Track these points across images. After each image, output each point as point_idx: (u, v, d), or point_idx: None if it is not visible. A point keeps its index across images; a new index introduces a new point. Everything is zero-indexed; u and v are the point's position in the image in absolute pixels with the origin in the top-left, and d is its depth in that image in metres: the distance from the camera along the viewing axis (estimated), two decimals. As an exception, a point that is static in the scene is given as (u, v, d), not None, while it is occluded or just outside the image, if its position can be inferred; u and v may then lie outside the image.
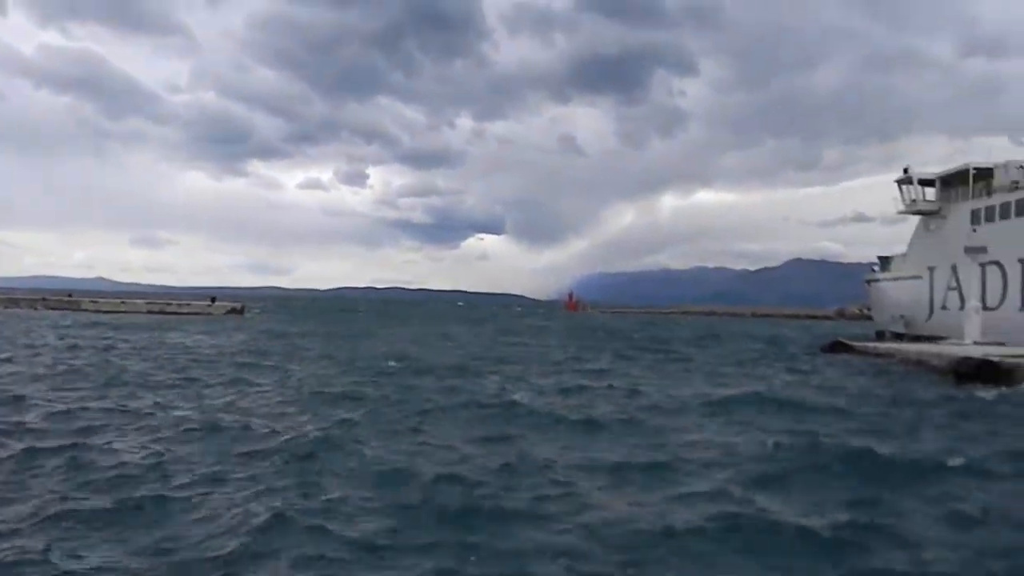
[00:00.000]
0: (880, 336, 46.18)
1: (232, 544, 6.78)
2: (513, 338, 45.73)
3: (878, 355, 29.80)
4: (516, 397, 16.89)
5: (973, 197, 40.59)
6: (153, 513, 7.67)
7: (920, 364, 25.50)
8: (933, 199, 44.82)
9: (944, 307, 42.11)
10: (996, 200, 38.27)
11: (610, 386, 19.55)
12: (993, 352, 24.21)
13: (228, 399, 15.95)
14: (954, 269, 40.49)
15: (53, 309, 67.81)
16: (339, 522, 7.51)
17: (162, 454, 10.35)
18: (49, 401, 14.72)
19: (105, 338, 34.04)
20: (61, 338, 33.20)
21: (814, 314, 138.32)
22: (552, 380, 21.29)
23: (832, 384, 21.30)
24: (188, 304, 70.93)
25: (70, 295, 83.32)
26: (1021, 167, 39.24)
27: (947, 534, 7.40)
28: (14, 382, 17.57)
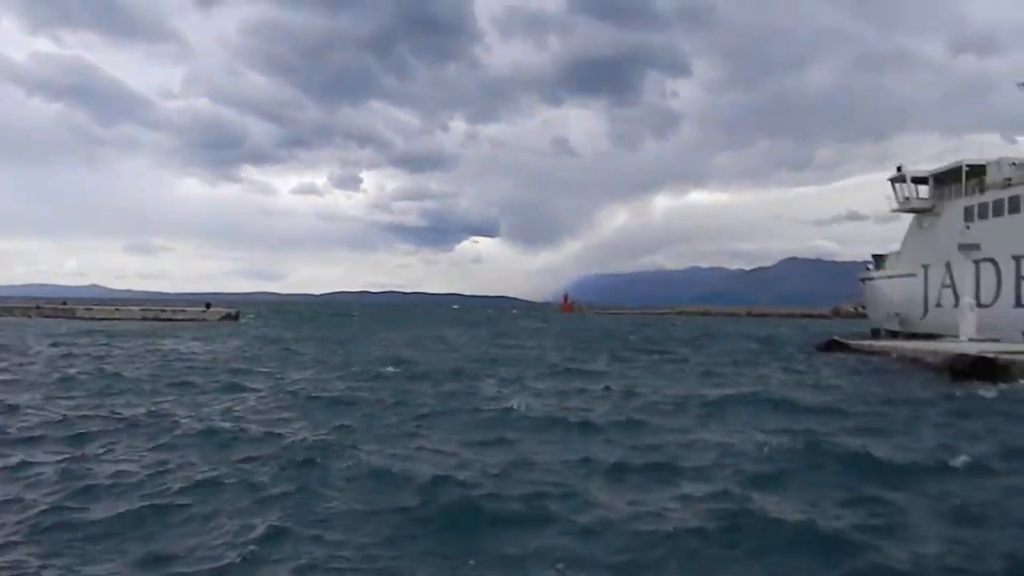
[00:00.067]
0: (876, 334, 46.26)
1: (231, 554, 6.74)
2: (509, 341, 45.70)
3: (874, 353, 29.86)
4: (513, 401, 16.84)
5: (966, 194, 40.69)
6: (151, 523, 7.61)
7: (916, 362, 25.56)
8: (926, 197, 44.94)
9: (939, 304, 42.19)
10: (989, 197, 38.37)
11: (607, 388, 19.53)
12: (988, 349, 24.26)
13: (224, 406, 15.88)
14: (948, 266, 40.55)
15: (47, 317, 67.65)
16: (337, 530, 7.48)
17: (159, 462, 10.28)
18: (43, 410, 14.63)
19: (100, 345, 33.91)
20: (55, 345, 33.05)
21: (809, 313, 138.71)
22: (548, 383, 21.27)
23: (828, 383, 21.32)
24: (183, 311, 70.76)
25: (64, 303, 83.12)
26: (1013, 164, 39.34)
27: (947, 532, 7.38)
28: (8, 391, 17.47)
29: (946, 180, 43.33)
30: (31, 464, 10.05)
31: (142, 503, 8.22)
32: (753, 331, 65.62)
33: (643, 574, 6.48)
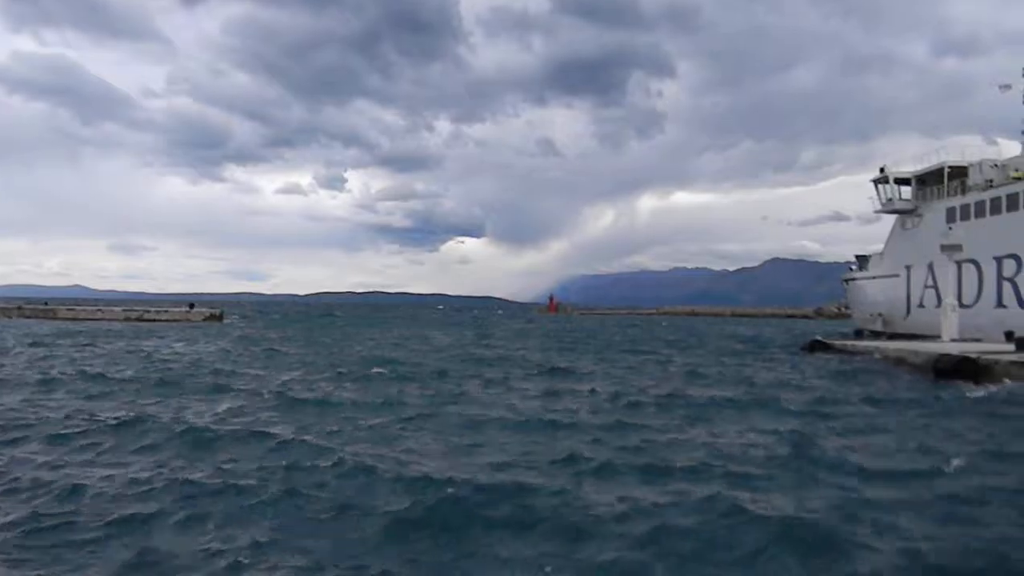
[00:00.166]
0: (859, 334, 46.53)
1: (218, 559, 6.70)
2: (495, 342, 45.66)
3: (857, 353, 30.03)
4: (499, 401, 16.85)
5: (948, 195, 41.03)
6: (135, 527, 7.53)
7: (899, 362, 25.73)
8: (909, 198, 45.26)
9: (921, 305, 42.53)
10: (971, 198, 38.70)
11: (592, 390, 19.54)
12: (970, 349, 24.45)
13: (209, 407, 15.76)
14: (930, 267, 40.87)
15: (29, 318, 66.95)
16: (324, 534, 7.45)
17: (143, 465, 10.21)
18: (23, 411, 14.48)
19: (82, 346, 33.56)
20: (36, 346, 32.70)
21: (793, 313, 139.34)
22: (534, 383, 21.26)
23: (813, 383, 21.40)
24: (166, 311, 70.21)
25: (46, 303, 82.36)
26: (995, 165, 39.71)
27: (933, 530, 7.41)
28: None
29: (928, 181, 43.67)
30: (10, 467, 9.94)
31: (126, 506, 8.15)
32: (738, 331, 65.84)
33: (633, 573, 6.47)
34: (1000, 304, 35.97)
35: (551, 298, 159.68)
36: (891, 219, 47.38)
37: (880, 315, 47.25)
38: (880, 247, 49.44)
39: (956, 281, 34.79)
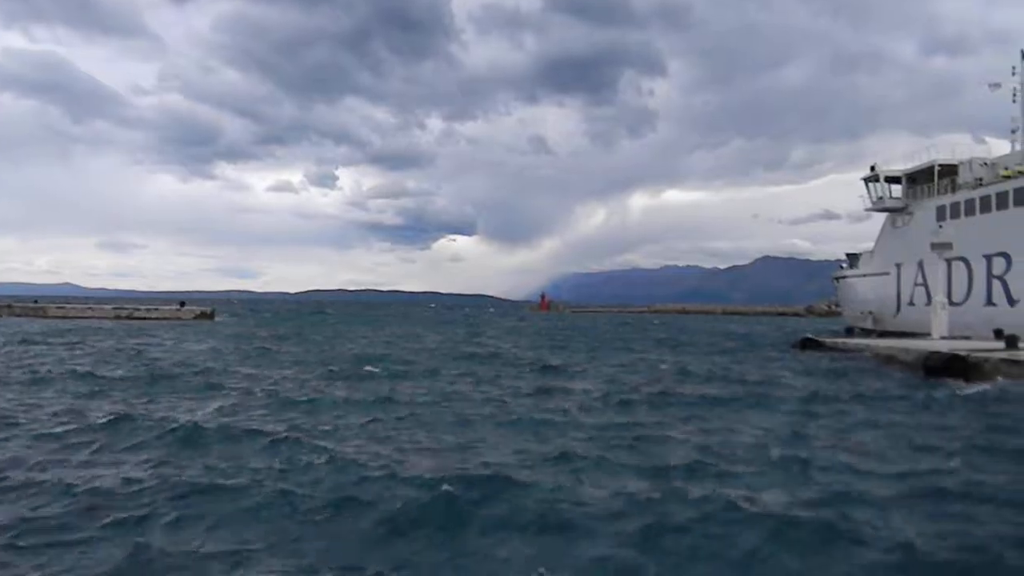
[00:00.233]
0: (850, 332, 46.72)
1: (211, 562, 6.68)
2: (487, 340, 45.65)
3: (848, 351, 30.15)
4: (490, 399, 16.85)
5: (938, 194, 41.18)
6: (127, 527, 7.49)
7: (890, 360, 25.83)
8: (899, 196, 45.43)
9: (911, 303, 42.70)
10: (961, 196, 38.86)
11: (585, 389, 19.58)
12: (960, 347, 24.57)
13: (200, 406, 15.70)
14: (920, 265, 41.03)
15: (18, 316, 66.57)
16: (318, 534, 7.43)
17: (133, 463, 10.17)
18: (11, 410, 14.39)
19: (72, 344, 33.38)
20: (25, 343, 32.51)
21: (784, 311, 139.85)
22: (525, 382, 21.26)
23: (805, 381, 21.44)
24: (157, 309, 69.88)
25: (36, 301, 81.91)
26: (984, 164, 39.88)
27: (928, 527, 7.45)
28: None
29: (919, 180, 43.83)
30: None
31: (117, 506, 8.11)
32: (729, 329, 65.99)
33: (627, 572, 6.48)
34: (989, 302, 36.14)
35: (543, 296, 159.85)
36: (881, 217, 47.54)
37: (870, 313, 47.42)
38: (870, 245, 49.61)
39: (946, 279, 34.94)
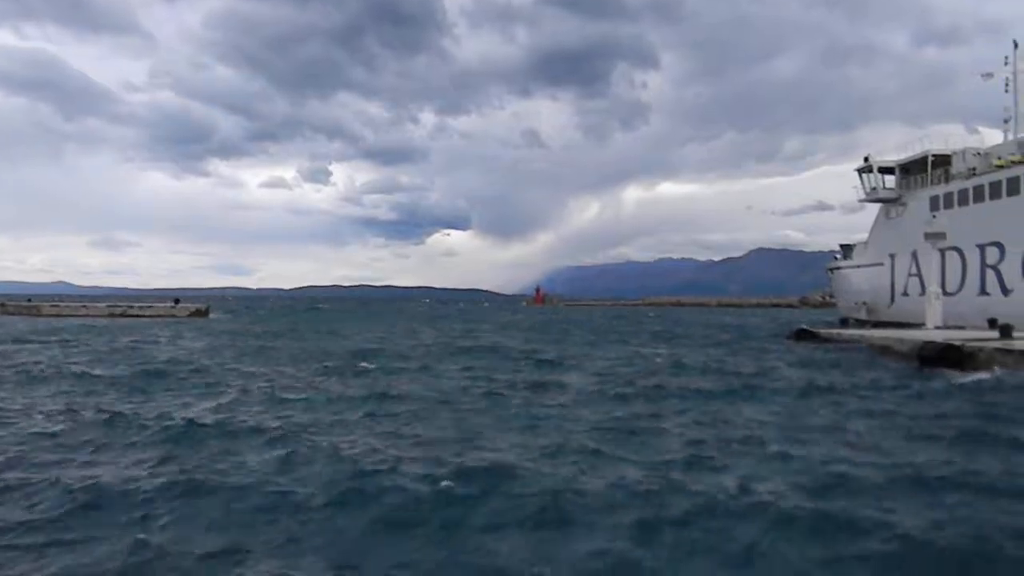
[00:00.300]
0: (844, 323, 46.83)
1: (207, 560, 6.66)
2: (482, 334, 45.63)
3: (843, 342, 30.18)
4: (486, 393, 16.85)
5: (932, 184, 41.26)
6: (123, 529, 7.45)
7: (885, 350, 25.88)
8: (893, 187, 45.49)
9: (905, 293, 42.82)
10: (954, 187, 38.96)
11: (580, 382, 19.57)
12: (954, 336, 24.62)
13: (196, 403, 15.67)
14: (914, 255, 41.15)
15: (12, 315, 66.39)
16: (315, 532, 7.41)
17: (131, 462, 10.14)
18: (3, 409, 14.35)
19: (66, 342, 33.25)
20: (18, 342, 32.40)
21: (778, 302, 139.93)
22: (521, 375, 21.24)
23: (800, 372, 21.47)
24: (151, 306, 69.75)
25: (29, 300, 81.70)
26: (977, 154, 39.98)
27: (925, 515, 7.46)
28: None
29: (912, 170, 43.90)
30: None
31: (113, 505, 8.08)
32: (724, 321, 66.09)
33: (625, 564, 6.48)
34: (983, 292, 36.28)
35: (537, 290, 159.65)
36: (875, 208, 47.63)
37: (865, 304, 47.54)
38: (864, 236, 49.71)
39: (940, 269, 35.03)
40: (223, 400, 16.15)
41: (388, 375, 21.22)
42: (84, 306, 71.76)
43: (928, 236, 34.15)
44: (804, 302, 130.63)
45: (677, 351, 30.45)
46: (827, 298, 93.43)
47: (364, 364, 24.16)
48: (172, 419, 13.34)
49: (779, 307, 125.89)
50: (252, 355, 28.32)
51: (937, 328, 30.97)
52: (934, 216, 36.46)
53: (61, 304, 74.40)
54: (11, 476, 9.31)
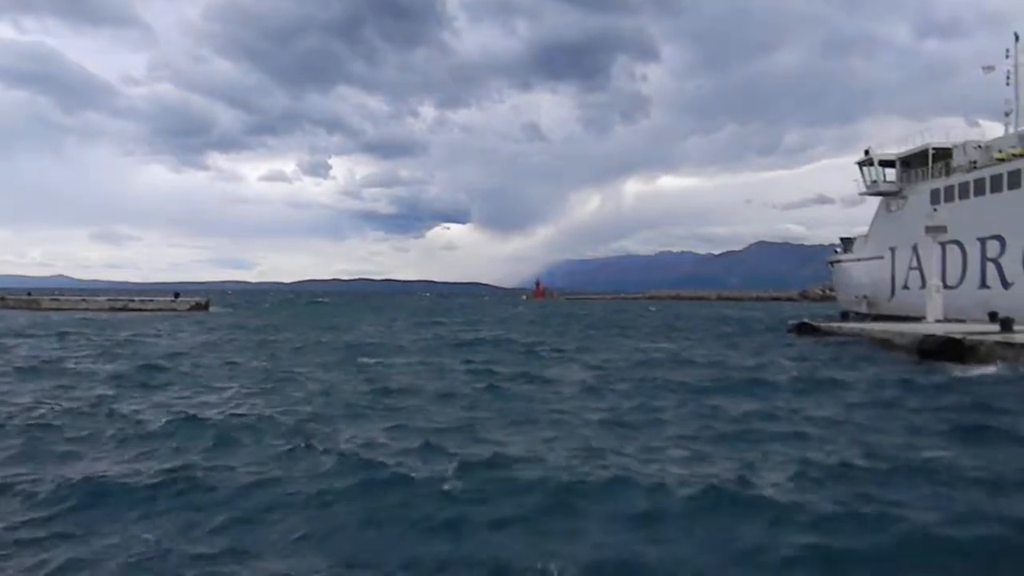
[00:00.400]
0: (845, 316, 46.77)
1: (205, 557, 6.66)
2: (483, 328, 45.64)
3: (844, 335, 30.18)
4: (488, 387, 16.85)
5: (933, 177, 41.16)
6: (121, 526, 7.45)
7: (885, 343, 25.88)
8: (894, 180, 45.37)
9: (906, 287, 42.75)
10: (955, 180, 38.86)
11: (582, 375, 19.59)
12: (954, 330, 24.60)
13: (198, 397, 15.68)
14: (915, 249, 41.06)
15: (12, 308, 66.38)
16: (315, 528, 7.42)
17: (132, 456, 10.14)
18: (4, 403, 14.35)
19: (65, 336, 33.23)
20: (19, 336, 32.37)
21: (778, 296, 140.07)
22: (522, 368, 21.22)
23: (801, 366, 21.47)
24: (151, 300, 69.76)
25: (29, 293, 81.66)
26: (978, 147, 39.84)
27: (927, 506, 7.46)
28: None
29: (913, 163, 43.78)
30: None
31: (115, 502, 8.08)
32: (724, 314, 66.12)
33: (628, 557, 6.47)
34: (984, 285, 36.21)
35: (537, 283, 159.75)
36: (875, 201, 47.52)
37: (865, 297, 47.47)
38: (865, 229, 49.61)
39: (940, 262, 34.97)
40: (224, 395, 16.15)
41: (389, 369, 21.22)
42: (84, 300, 71.73)
43: (929, 229, 34.07)
44: (804, 296, 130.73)
45: (678, 345, 30.46)
46: (827, 291, 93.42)
47: (365, 358, 24.16)
48: (173, 413, 13.33)
49: (779, 301, 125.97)
50: (253, 349, 28.31)
51: (938, 322, 30.92)
52: (935, 209, 36.38)
53: (61, 298, 74.37)
54: (11, 471, 9.32)
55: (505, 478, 8.76)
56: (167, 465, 9.50)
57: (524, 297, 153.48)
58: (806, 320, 36.08)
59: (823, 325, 33.89)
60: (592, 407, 14.32)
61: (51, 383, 17.65)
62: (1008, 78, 39.81)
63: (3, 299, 71.68)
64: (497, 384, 17.43)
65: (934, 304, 32.25)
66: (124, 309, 64.91)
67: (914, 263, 41.59)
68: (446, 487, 8.34)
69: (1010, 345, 20.67)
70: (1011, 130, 39.65)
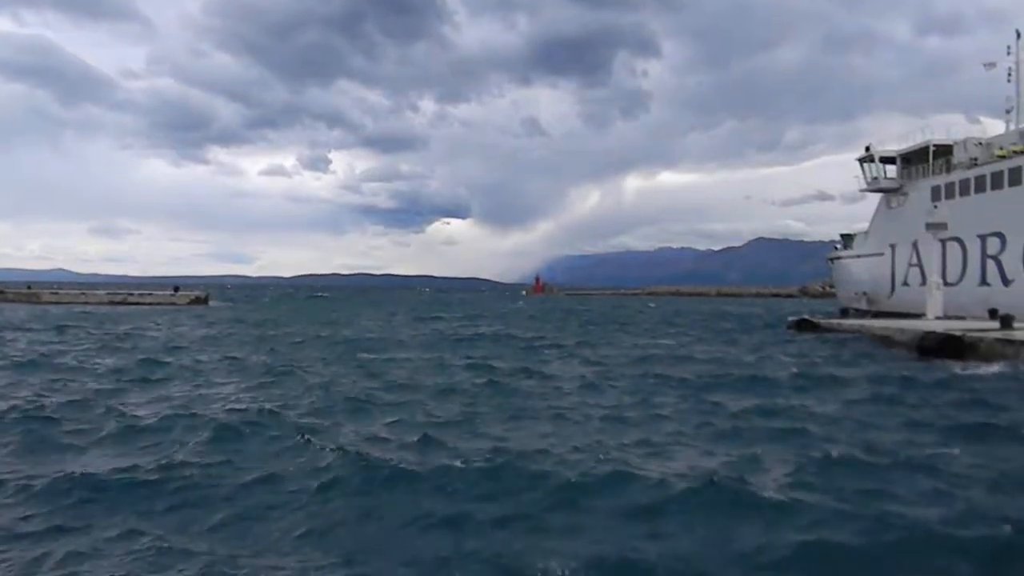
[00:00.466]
0: (844, 313, 46.75)
1: (211, 561, 6.65)
2: (482, 323, 45.64)
3: (844, 332, 30.17)
4: (487, 382, 16.84)
5: (933, 174, 41.10)
6: (122, 523, 7.44)
7: (885, 340, 25.88)
8: (894, 176, 45.30)
9: (906, 283, 42.70)
10: (956, 177, 38.81)
11: (581, 371, 19.57)
12: (955, 327, 24.59)
13: (197, 392, 15.68)
14: (915, 246, 41.01)
15: (11, 301, 66.35)
16: (315, 528, 7.41)
17: (132, 450, 10.14)
18: (5, 397, 14.33)
19: (65, 329, 33.23)
20: (17, 329, 32.35)
21: (778, 292, 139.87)
22: (522, 363, 21.22)
23: (801, 362, 21.47)
24: (151, 294, 69.74)
25: (29, 287, 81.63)
26: (979, 144, 39.79)
27: (927, 504, 7.46)
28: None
29: (913, 160, 43.71)
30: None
31: (114, 499, 8.07)
32: (724, 310, 66.10)
33: (629, 554, 6.47)
34: (984, 282, 36.17)
35: (537, 279, 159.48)
36: (876, 198, 47.45)
37: (865, 294, 47.43)
38: (865, 226, 49.55)
39: (941, 259, 34.94)
40: (224, 389, 16.14)
41: (389, 364, 21.20)
42: (83, 293, 71.76)
43: (929, 226, 34.04)
44: (804, 292, 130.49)
45: (677, 341, 30.46)
46: (827, 288, 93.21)
47: (365, 353, 24.16)
48: (172, 407, 13.33)
49: (779, 297, 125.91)
50: (253, 343, 28.30)
51: (937, 319, 30.91)
52: (935, 206, 36.32)
53: (61, 291, 74.38)
54: (10, 464, 9.32)
55: (505, 474, 8.75)
56: (166, 460, 9.49)
57: (524, 292, 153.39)
58: (806, 316, 36.06)
59: (823, 322, 33.89)
60: (592, 403, 14.32)
61: (50, 377, 17.63)
62: (1009, 75, 39.74)
63: (2, 292, 71.66)
64: (497, 379, 17.43)
65: (934, 301, 32.23)
66: (123, 303, 64.90)
67: (914, 260, 41.54)
68: (446, 482, 8.33)
69: (1010, 342, 20.66)
70: (1012, 127, 39.59)
